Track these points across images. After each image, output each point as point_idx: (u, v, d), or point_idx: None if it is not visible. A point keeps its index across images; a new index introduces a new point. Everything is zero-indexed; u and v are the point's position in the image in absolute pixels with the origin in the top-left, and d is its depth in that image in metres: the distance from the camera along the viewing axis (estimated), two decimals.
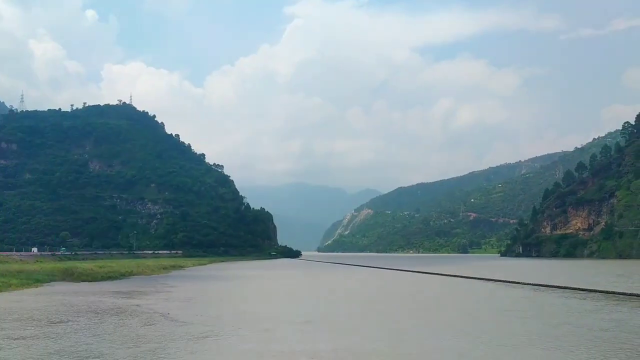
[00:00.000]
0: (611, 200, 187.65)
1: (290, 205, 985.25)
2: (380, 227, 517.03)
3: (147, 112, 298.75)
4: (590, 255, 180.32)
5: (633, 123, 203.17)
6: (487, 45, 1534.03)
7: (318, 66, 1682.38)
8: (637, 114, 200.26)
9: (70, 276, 64.14)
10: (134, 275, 71.80)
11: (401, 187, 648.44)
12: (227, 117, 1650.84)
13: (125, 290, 44.36)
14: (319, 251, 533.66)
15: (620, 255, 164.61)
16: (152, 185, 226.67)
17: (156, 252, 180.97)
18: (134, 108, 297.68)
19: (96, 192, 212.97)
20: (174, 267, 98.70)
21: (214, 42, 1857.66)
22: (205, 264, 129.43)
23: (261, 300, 39.10)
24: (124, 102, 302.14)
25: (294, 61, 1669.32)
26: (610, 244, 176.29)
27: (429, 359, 18.09)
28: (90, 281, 57.76)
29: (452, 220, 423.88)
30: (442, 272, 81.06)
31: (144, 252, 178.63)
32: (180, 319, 26.16)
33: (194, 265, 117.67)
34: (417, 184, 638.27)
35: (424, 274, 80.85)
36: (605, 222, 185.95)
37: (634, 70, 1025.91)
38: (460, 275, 73.21)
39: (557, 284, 52.46)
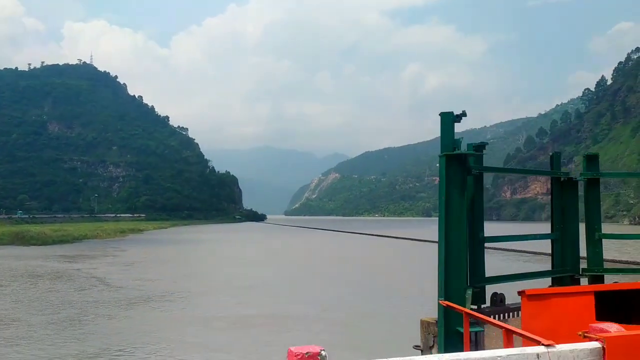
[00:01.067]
0: (569, 166, 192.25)
1: (258, 169, 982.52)
2: (347, 191, 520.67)
3: (109, 73, 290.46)
4: (548, 219, 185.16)
5: (593, 90, 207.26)
6: (456, 11, 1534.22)
7: (287, 28, 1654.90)
8: (597, 81, 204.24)
9: (21, 240, 62.95)
10: (88, 239, 70.84)
11: (368, 152, 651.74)
12: (194, 79, 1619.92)
13: (72, 255, 43.74)
14: (286, 215, 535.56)
15: None
16: (114, 147, 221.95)
17: (118, 215, 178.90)
18: (95, 68, 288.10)
19: (55, 154, 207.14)
20: (132, 231, 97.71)
21: (181, 1, 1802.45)
22: (166, 228, 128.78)
23: (209, 264, 39.11)
24: (85, 62, 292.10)
25: (263, 22, 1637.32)
26: None
27: (349, 323, 18.34)
28: (40, 245, 56.77)
29: (417, 184, 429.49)
30: (389, 235, 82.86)
31: (106, 215, 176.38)
32: (116, 283, 25.95)
33: (154, 228, 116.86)
34: (384, 149, 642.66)
35: (374, 237, 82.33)
36: None
37: (599, 37, 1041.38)
38: (407, 237, 74.53)
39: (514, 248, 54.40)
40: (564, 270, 7.45)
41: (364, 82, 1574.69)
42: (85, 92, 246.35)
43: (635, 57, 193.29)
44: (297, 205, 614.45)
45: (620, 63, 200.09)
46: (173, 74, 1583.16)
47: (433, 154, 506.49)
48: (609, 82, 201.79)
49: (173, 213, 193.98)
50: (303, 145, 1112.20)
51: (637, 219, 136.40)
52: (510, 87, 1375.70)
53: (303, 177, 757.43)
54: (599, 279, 7.29)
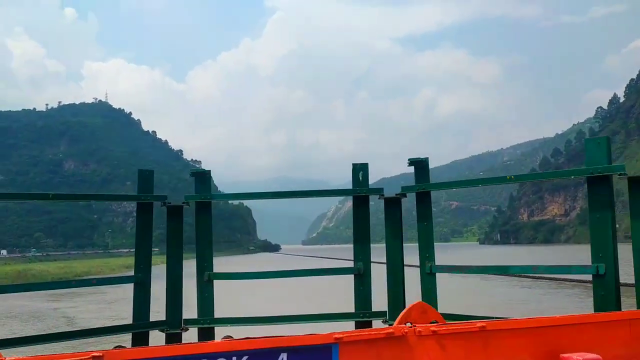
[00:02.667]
0: (586, 185, 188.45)
1: (275, 200, 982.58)
2: None
3: (124, 110, 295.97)
4: (567, 241, 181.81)
5: (606, 108, 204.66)
6: (468, 35, 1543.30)
7: (300, 58, 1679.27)
8: (610, 99, 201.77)
9: (22, 279, 62.97)
10: (90, 275, 70.42)
11: (384, 178, 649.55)
12: (210, 112, 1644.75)
13: (60, 293, 43.09)
14: (303, 244, 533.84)
15: None
16: (128, 183, 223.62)
17: (132, 250, 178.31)
18: (110, 106, 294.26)
19: (71, 191, 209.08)
20: None
21: (196, 38, 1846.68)
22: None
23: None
24: (100, 100, 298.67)
25: (276, 54, 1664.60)
26: (586, 229, 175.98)
27: None
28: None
29: (434, 209, 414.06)
30: (410, 263, 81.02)
31: (120, 250, 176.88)
32: (82, 323, 25.17)
33: (163, 262, 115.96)
34: (400, 174, 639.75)
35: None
36: (580, 207, 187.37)
37: (615, 56, 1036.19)
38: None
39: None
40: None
41: (377, 109, 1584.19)
42: (100, 129, 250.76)
43: None
44: (314, 235, 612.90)
45: (632, 80, 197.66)
46: (189, 107, 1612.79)
47: (449, 177, 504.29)
48: (622, 99, 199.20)
49: (186, 246, 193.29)
50: (319, 173, 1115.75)
51: None
52: (526, 108, 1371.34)
53: (320, 206, 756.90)
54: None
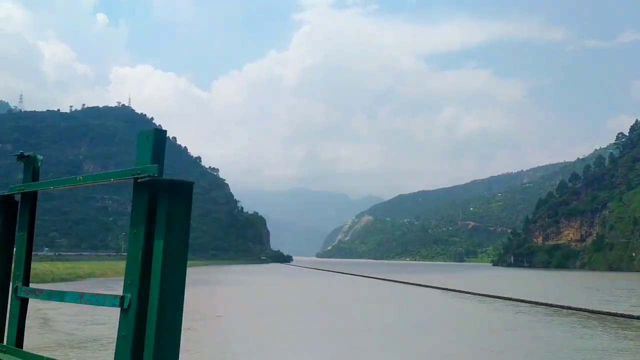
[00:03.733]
0: (603, 212, 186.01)
1: (293, 210, 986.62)
2: (379, 234, 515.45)
3: (145, 115, 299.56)
4: (582, 267, 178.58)
5: (627, 134, 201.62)
6: (493, 55, 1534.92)
7: (324, 72, 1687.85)
8: (631, 125, 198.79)
9: None
10: (93, 277, 71.61)
11: (402, 194, 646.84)
12: (232, 121, 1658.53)
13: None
14: (318, 257, 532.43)
15: (611, 268, 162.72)
16: None
17: None
18: (133, 110, 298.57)
19: (88, 193, 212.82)
20: None
21: (222, 48, 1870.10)
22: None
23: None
24: (123, 105, 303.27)
25: (301, 67, 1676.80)
26: (601, 256, 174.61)
27: None
28: (48, 282, 57.42)
29: (450, 228, 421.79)
30: (409, 281, 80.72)
31: None
32: (55, 326, 25.67)
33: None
34: (418, 192, 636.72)
35: (389, 282, 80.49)
36: (596, 234, 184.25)
37: None
38: (421, 284, 72.79)
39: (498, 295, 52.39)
40: None
41: (399, 125, 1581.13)
42: (121, 133, 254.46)
43: None
44: (329, 248, 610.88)
45: None
46: (212, 116, 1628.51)
47: (468, 197, 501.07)
48: None
49: (198, 253, 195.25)
50: (338, 187, 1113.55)
51: None
52: (549, 131, 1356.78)
53: (337, 219, 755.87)
54: None
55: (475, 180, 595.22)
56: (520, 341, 27.20)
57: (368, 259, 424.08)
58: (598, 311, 39.66)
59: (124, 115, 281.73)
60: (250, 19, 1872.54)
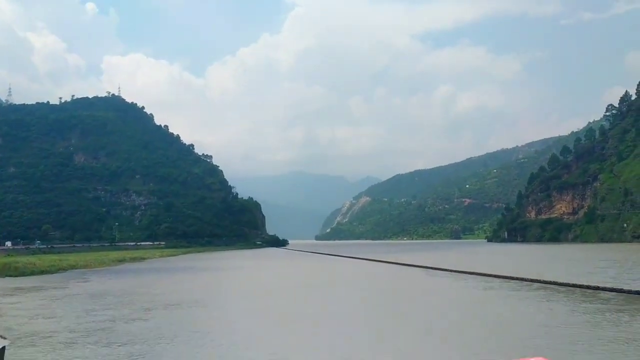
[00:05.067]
0: (594, 184, 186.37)
1: (291, 194, 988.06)
2: (377, 215, 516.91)
3: (136, 104, 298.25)
4: (574, 240, 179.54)
5: (617, 106, 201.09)
6: (487, 32, 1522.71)
7: (319, 54, 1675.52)
8: (620, 97, 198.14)
9: (8, 271, 64.05)
10: (77, 268, 71.65)
11: (399, 174, 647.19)
12: (228, 107, 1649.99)
13: (27, 287, 44.11)
14: (316, 239, 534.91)
15: (602, 239, 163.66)
16: (137, 176, 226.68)
17: (139, 243, 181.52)
18: (123, 100, 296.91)
19: (80, 184, 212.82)
20: (134, 259, 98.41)
21: (215, 33, 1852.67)
22: (177, 255, 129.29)
23: (172, 296, 38.53)
24: (113, 94, 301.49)
25: (295, 50, 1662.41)
26: (593, 228, 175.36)
27: None
28: (17, 276, 57.52)
29: (446, 206, 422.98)
30: (399, 261, 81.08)
31: (126, 244, 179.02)
32: (17, 321, 25.69)
33: (161, 256, 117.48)
34: (415, 171, 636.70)
35: (382, 263, 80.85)
36: (588, 206, 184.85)
37: (636, 52, 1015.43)
38: (412, 264, 73.12)
39: (483, 272, 52.60)
40: None
41: (395, 105, 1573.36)
42: (111, 123, 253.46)
43: None
44: (328, 230, 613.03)
45: None
46: (208, 102, 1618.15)
47: (463, 175, 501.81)
48: (633, 97, 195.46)
49: (193, 240, 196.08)
50: (335, 169, 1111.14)
51: None
52: (546, 106, 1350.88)
53: (335, 201, 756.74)
54: None
55: (471, 157, 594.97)
56: (474, 315, 27.37)
57: (366, 239, 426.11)
58: (566, 284, 39.85)
59: (114, 105, 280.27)
60: (241, 2, 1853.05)
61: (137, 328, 23.03)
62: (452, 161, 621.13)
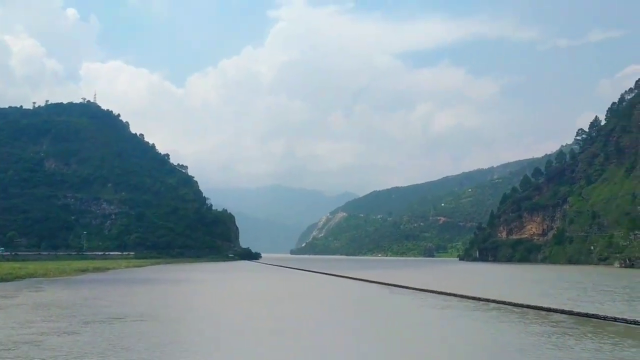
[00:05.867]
0: (564, 206, 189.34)
1: (269, 208, 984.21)
2: (353, 230, 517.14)
3: (112, 111, 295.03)
4: (544, 261, 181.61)
5: (587, 130, 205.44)
6: (466, 54, 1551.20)
7: (301, 69, 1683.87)
8: (591, 122, 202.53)
9: None
10: (36, 277, 69.72)
11: (376, 191, 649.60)
12: (208, 118, 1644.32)
13: None
14: (292, 254, 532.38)
15: (570, 261, 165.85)
16: (109, 184, 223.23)
17: (107, 253, 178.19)
18: (98, 106, 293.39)
19: (50, 191, 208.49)
20: (97, 269, 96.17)
21: (197, 43, 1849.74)
22: (144, 266, 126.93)
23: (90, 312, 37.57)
24: (89, 101, 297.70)
25: (277, 64, 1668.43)
26: (561, 249, 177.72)
27: None
28: None
29: (422, 224, 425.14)
30: (365, 278, 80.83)
31: (94, 253, 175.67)
32: None
33: (127, 267, 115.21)
34: (392, 188, 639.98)
35: (347, 279, 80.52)
36: (557, 228, 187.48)
37: (608, 80, 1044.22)
38: (372, 280, 72.93)
39: (445, 291, 52.59)
40: None
41: (375, 122, 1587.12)
42: (85, 130, 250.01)
43: (628, 97, 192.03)
44: (304, 245, 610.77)
45: (614, 103, 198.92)
46: (187, 113, 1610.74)
47: (439, 193, 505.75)
48: (603, 122, 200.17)
49: (164, 251, 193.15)
50: (314, 184, 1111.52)
51: (627, 261, 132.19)
52: (521, 128, 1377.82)
53: (312, 216, 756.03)
54: None
55: (447, 176, 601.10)
56: (417, 334, 27.18)
57: (341, 255, 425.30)
58: (521, 304, 39.96)
59: (89, 112, 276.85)
60: (224, 15, 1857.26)
61: (67, 342, 22.22)
62: (429, 179, 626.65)
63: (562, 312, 35.32)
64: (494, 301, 42.90)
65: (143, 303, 39.35)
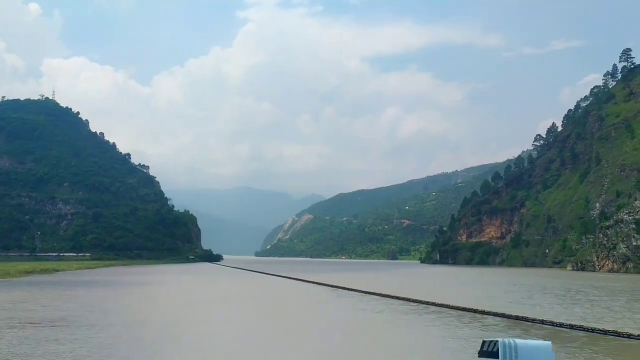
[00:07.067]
0: (522, 210, 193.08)
1: (236, 210, 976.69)
2: (318, 233, 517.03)
3: (71, 109, 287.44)
4: (502, 264, 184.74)
5: (544, 136, 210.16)
6: (434, 59, 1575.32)
7: (269, 71, 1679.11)
8: (548, 128, 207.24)
9: None
10: None
11: (343, 194, 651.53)
12: (174, 118, 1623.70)
13: None
14: (257, 256, 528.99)
15: (526, 264, 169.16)
16: (66, 184, 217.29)
17: (62, 254, 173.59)
18: (57, 104, 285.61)
19: (3, 190, 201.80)
20: (45, 271, 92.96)
21: (164, 42, 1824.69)
22: (97, 268, 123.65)
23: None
24: (47, 98, 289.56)
25: (246, 65, 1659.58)
26: (518, 253, 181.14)
27: None
28: None
29: (386, 227, 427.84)
30: (317, 281, 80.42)
31: (48, 254, 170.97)
32: None
33: (79, 268, 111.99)
34: (358, 191, 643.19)
35: (299, 282, 79.93)
36: (515, 231, 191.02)
37: (569, 88, 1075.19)
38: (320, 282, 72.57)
39: (390, 294, 52.50)
40: None
41: (343, 125, 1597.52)
42: (41, 127, 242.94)
43: (584, 105, 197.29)
44: (269, 247, 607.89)
45: (570, 111, 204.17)
46: (153, 112, 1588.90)
47: (404, 197, 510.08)
48: (560, 129, 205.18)
49: (122, 252, 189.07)
50: (281, 186, 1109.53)
51: (579, 264, 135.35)
52: (486, 134, 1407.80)
53: (279, 218, 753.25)
54: None
55: (413, 180, 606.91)
56: (345, 338, 26.77)
57: (306, 257, 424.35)
58: (458, 307, 40.05)
59: (47, 109, 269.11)
60: (193, 14, 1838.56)
61: None
62: (395, 183, 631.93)
63: (496, 315, 35.55)
64: (434, 304, 42.98)
65: (71, 308, 37.84)
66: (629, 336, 25.43)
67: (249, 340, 26.01)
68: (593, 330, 27.70)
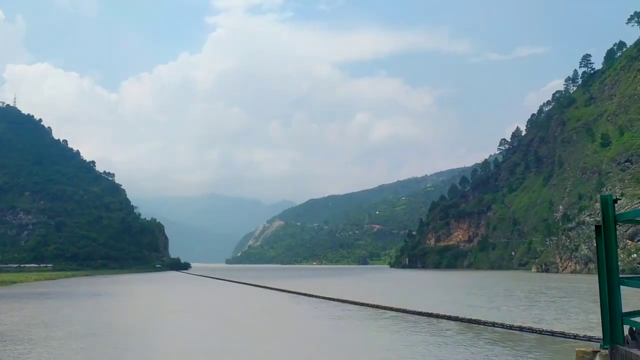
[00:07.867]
0: (488, 214, 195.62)
1: (205, 216, 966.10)
2: (289, 239, 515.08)
3: (33, 116, 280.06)
4: (469, 267, 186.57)
5: (509, 140, 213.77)
6: (403, 65, 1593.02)
7: (239, 77, 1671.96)
8: (512, 132, 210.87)
9: None
10: None
11: (313, 199, 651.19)
12: (142, 124, 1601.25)
13: None
14: (227, 263, 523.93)
15: (493, 267, 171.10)
16: (27, 193, 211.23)
17: (23, 265, 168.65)
18: (18, 111, 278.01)
19: None
20: (2, 283, 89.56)
21: (131, 48, 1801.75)
22: (58, 279, 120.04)
23: None
24: (8, 105, 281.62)
25: (215, 71, 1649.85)
26: (485, 256, 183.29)
27: None
28: None
29: (357, 231, 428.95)
30: (278, 287, 79.64)
31: (8, 265, 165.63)
32: None
33: (38, 279, 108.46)
34: (329, 196, 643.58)
35: (261, 288, 79.05)
36: (481, 234, 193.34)
37: (534, 93, 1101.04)
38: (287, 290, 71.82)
39: (348, 299, 52.15)
40: None
41: (313, 131, 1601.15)
42: (1, 135, 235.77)
43: (546, 109, 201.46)
44: (239, 254, 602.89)
45: (533, 115, 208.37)
46: (120, 119, 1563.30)
47: (375, 201, 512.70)
48: (524, 133, 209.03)
49: (85, 262, 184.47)
50: (251, 192, 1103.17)
51: (543, 266, 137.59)
52: (454, 138, 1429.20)
53: (250, 225, 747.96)
54: None
55: (383, 184, 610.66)
56: (294, 344, 26.11)
57: (276, 264, 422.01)
58: (413, 311, 39.83)
59: (8, 116, 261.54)
60: (160, 18, 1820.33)
61: None
62: (365, 187, 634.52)
63: (450, 318, 35.47)
64: (391, 309, 42.74)
65: (13, 321, 36.22)
66: (575, 337, 25.47)
67: (196, 348, 25.14)
68: (541, 332, 27.75)
